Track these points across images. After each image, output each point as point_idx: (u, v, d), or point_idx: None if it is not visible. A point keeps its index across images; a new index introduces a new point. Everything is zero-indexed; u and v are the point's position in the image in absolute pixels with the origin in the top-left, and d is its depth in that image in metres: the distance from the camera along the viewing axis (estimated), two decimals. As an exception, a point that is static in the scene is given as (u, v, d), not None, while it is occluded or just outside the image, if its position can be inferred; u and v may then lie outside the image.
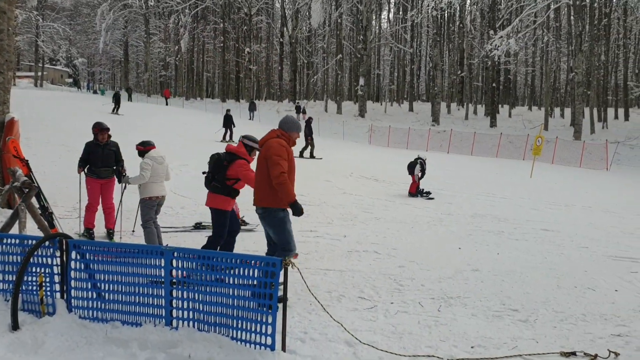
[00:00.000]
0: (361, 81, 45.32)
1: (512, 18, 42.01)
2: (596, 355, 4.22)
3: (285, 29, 57.61)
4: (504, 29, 34.12)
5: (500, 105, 49.81)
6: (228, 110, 26.49)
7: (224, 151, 6.56)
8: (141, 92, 67.81)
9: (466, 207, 11.86)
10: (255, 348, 4.19)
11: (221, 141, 23.43)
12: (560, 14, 50.01)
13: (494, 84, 42.44)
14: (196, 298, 4.39)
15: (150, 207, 7.25)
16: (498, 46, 31.49)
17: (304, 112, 44.49)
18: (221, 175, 6.37)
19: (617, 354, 4.23)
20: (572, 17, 41.64)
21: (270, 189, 5.26)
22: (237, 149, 6.48)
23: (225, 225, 6.54)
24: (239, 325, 4.27)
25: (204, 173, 6.65)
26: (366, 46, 45.48)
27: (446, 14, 55.25)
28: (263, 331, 4.18)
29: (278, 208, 5.31)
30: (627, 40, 53.08)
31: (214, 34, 66.84)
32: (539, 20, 39.35)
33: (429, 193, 13.43)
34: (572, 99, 40.16)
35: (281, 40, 61.22)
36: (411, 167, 13.61)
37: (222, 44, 62.89)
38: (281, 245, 5.40)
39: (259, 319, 4.20)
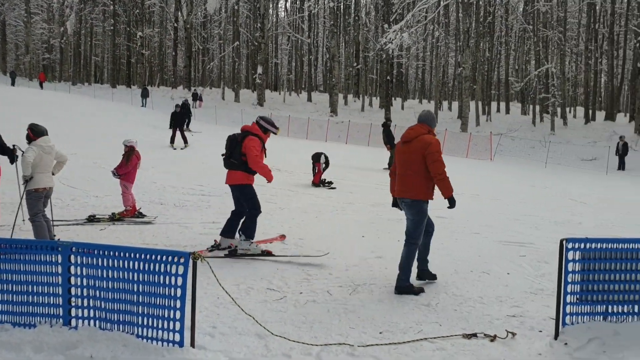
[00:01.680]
0: (259, 69, 45.00)
1: (405, 13, 43.45)
2: (495, 336, 4.46)
3: (179, 13, 55.77)
4: (398, 24, 35.21)
5: (393, 98, 51.54)
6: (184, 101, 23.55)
7: (240, 132, 6.90)
8: (22, 75, 62.86)
9: (367, 197, 12.14)
10: (162, 345, 4.03)
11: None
12: (449, 11, 52.41)
13: (388, 77, 43.75)
14: (97, 295, 4.13)
15: (37, 199, 6.77)
16: (392, 40, 32.43)
17: (201, 100, 43.49)
18: (237, 152, 6.68)
19: (514, 334, 4.49)
20: (460, 14, 43.83)
21: (423, 182, 5.60)
22: (251, 128, 6.85)
23: (255, 197, 6.86)
24: (145, 323, 4.08)
25: (222, 155, 6.93)
26: (264, 34, 45.18)
27: (342, 6, 56.13)
28: (170, 327, 4.04)
29: (425, 200, 5.66)
30: (509, 38, 56.81)
31: (103, 16, 63.32)
32: (430, 16, 41.04)
33: (331, 183, 13.61)
34: (459, 92, 42.40)
35: (175, 25, 59.18)
36: (316, 157, 13.74)
37: (112, 27, 59.72)
38: (411, 235, 5.69)
39: (165, 315, 4.04)
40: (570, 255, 4.40)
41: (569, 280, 4.42)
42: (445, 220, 9.90)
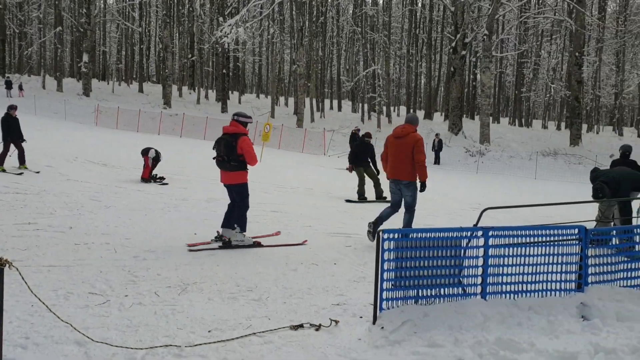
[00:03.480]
0: (85, 57, 42.06)
1: (240, 7, 43.41)
2: (320, 325, 4.67)
3: (-10, -9, 50.02)
4: (233, 17, 35.08)
5: (230, 92, 51.33)
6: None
7: (224, 133, 7.47)
8: None
9: (201, 192, 11.96)
10: (-39, 364, 3.61)
11: None
12: (284, 8, 53.41)
13: (224, 70, 43.44)
14: None
15: None
16: (227, 34, 32.26)
17: (21, 89, 39.65)
18: (234, 155, 7.32)
19: (337, 322, 4.74)
20: (294, 12, 44.84)
21: (412, 168, 7.68)
22: (235, 129, 7.44)
23: (248, 195, 7.69)
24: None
25: (214, 158, 7.56)
26: (90, 20, 42.29)
27: (176, -4, 54.50)
28: (-28, 343, 3.63)
29: (416, 181, 7.80)
30: (340, 39, 59.45)
31: None
32: (265, 12, 41.46)
33: (162, 178, 13.18)
34: (294, 89, 43.47)
35: (-15, 4, 53.00)
36: (145, 151, 13.19)
37: None
38: (411, 206, 7.87)
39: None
40: (386, 245, 4.76)
41: (385, 268, 4.77)
42: (280, 214, 10.15)
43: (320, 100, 49.23)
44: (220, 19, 40.13)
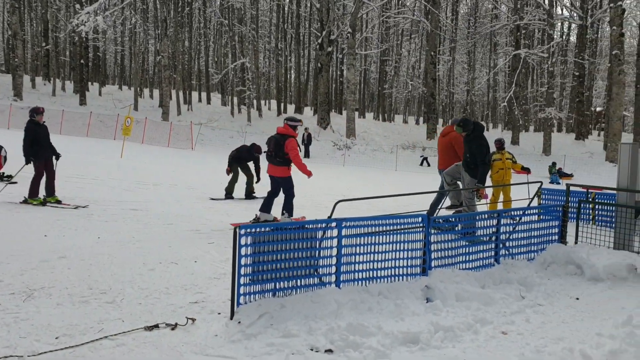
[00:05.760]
0: None
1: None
2: (176, 324, 4.62)
3: None
4: (91, 5, 33.11)
5: (90, 83, 48.49)
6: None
7: (276, 133, 8.85)
8: None
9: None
10: None
11: None
12: (147, -2, 51.33)
13: (82, 61, 40.94)
14: None
15: None
16: (85, 22, 30.40)
17: None
18: (281, 152, 8.71)
19: (193, 320, 4.72)
20: (157, 2, 43.31)
21: (454, 160, 9.27)
22: (285, 130, 8.79)
23: (292, 186, 8.96)
24: None
25: (264, 152, 9.15)
26: None
27: (26, -22, 50.22)
28: None
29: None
30: (208, 30, 58.38)
31: None
32: (127, 1, 39.55)
33: (10, 177, 12.17)
34: (160, 81, 42.02)
35: None
36: None
37: None
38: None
39: None
40: (243, 241, 4.81)
41: (242, 263, 4.83)
42: (140, 213, 9.83)
43: (188, 93, 48.05)
44: (77, 6, 37.65)
